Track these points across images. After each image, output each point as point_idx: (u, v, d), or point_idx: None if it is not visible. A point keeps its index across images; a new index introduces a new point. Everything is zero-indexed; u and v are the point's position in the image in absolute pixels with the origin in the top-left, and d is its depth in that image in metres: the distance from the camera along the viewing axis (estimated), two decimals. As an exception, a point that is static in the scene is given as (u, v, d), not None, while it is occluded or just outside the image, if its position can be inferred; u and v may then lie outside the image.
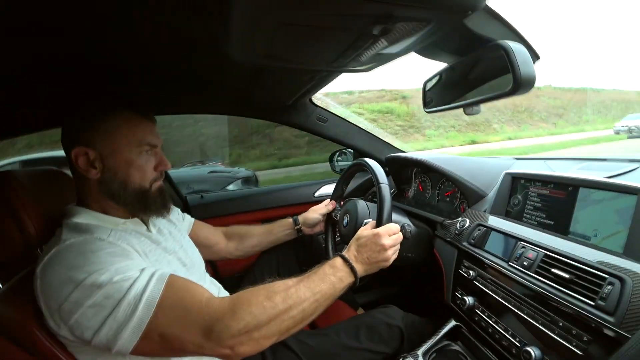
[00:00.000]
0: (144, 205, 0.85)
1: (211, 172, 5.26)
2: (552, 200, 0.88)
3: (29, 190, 0.79)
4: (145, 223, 0.90)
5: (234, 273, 1.58)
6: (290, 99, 1.37)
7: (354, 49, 0.67)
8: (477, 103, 0.72)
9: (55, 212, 0.81)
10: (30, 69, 0.84)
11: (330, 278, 0.80)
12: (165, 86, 1.15)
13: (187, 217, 1.21)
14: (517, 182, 0.99)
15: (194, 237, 1.12)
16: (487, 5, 0.56)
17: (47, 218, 0.80)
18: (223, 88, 1.23)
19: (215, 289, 1.04)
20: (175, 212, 1.12)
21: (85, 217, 0.79)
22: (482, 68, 0.72)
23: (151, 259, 0.79)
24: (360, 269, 0.86)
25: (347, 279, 0.83)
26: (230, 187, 4.64)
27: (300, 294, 0.74)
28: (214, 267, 1.58)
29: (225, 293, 1.07)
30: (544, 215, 0.88)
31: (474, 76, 0.75)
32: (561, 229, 0.83)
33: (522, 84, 0.58)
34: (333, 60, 0.76)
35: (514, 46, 0.59)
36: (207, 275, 1.06)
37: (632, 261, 0.65)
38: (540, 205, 0.90)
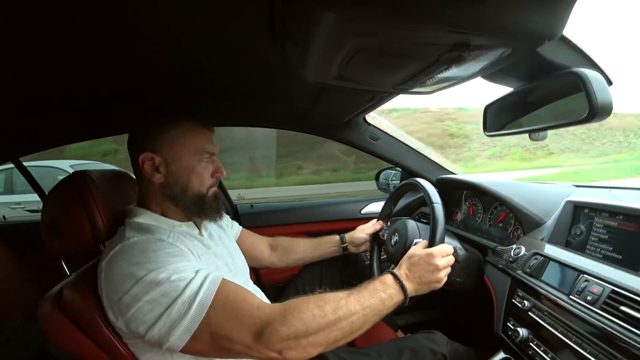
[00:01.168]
0: (201, 209, 0.90)
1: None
2: (620, 233, 0.82)
3: (100, 189, 0.87)
4: (198, 227, 0.95)
5: (276, 282, 1.62)
6: (347, 116, 1.40)
7: (424, 74, 0.69)
8: (547, 129, 0.70)
9: (119, 211, 0.89)
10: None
11: (380, 294, 0.80)
12: (224, 98, 1.21)
13: (236, 224, 1.27)
14: (579, 211, 0.94)
15: (240, 244, 1.16)
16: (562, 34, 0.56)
17: (113, 216, 0.87)
18: (285, 104, 1.29)
19: (258, 296, 1.06)
20: (226, 219, 1.17)
21: (146, 218, 0.85)
22: (550, 93, 0.71)
23: (203, 262, 0.83)
24: (410, 288, 0.85)
25: (397, 296, 0.83)
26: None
27: (350, 307, 0.75)
28: (257, 275, 1.62)
29: (266, 301, 1.09)
30: (610, 249, 0.83)
31: (541, 101, 0.73)
32: (631, 264, 0.77)
33: (599, 112, 0.57)
34: (400, 83, 0.77)
35: (590, 73, 0.57)
36: (250, 282, 1.09)
37: None
38: (607, 237, 0.85)
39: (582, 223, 0.92)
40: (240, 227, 1.28)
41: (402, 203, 1.73)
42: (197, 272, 0.73)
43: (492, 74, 0.71)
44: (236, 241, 1.17)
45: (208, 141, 0.92)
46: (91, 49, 0.69)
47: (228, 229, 1.15)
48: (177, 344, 0.67)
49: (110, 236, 0.85)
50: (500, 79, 0.74)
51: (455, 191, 1.54)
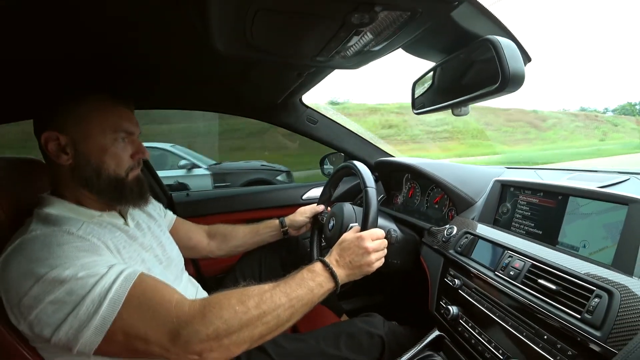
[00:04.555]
0: (120, 194, 0.82)
1: (262, 165, 5.54)
2: (541, 209, 0.85)
3: (3, 177, 0.77)
4: (123, 216, 0.87)
5: (216, 273, 1.55)
6: (279, 97, 1.34)
7: (336, 41, 0.64)
8: (465, 103, 0.70)
9: (31, 201, 0.78)
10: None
11: (308, 283, 0.77)
12: (153, 80, 1.12)
13: (169, 213, 1.18)
14: (506, 190, 0.97)
15: (174, 234, 1.09)
16: (475, 0, 0.54)
17: (20, 206, 0.77)
18: (212, 84, 1.21)
19: (193, 289, 1.00)
20: (157, 207, 1.09)
21: (58, 208, 0.75)
22: (470, 66, 0.70)
23: (124, 256, 0.75)
24: (341, 274, 0.82)
25: (326, 284, 0.79)
26: (279, 178, 5.14)
27: (275, 299, 0.71)
28: (197, 266, 1.54)
29: (203, 293, 1.03)
30: (532, 225, 0.86)
31: (462, 75, 0.72)
32: (550, 239, 0.80)
33: (510, 80, 0.56)
34: (317, 53, 0.73)
35: (502, 41, 0.56)
36: (185, 274, 1.02)
37: (621, 274, 0.62)
38: (529, 214, 0.87)
39: (509, 201, 0.95)
40: (175, 216, 1.20)
41: (344, 187, 1.72)
42: (110, 267, 0.65)
43: (413, 46, 0.69)
44: (170, 231, 1.09)
45: (126, 119, 0.83)
46: None
47: (160, 218, 1.06)
48: (88, 347, 0.60)
49: (15, 230, 0.74)
50: (422, 52, 0.72)
51: (396, 175, 1.55)
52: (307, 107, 1.53)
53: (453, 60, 0.72)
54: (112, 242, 0.74)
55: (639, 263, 0.62)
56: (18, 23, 0.63)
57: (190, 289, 0.99)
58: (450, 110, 0.75)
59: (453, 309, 0.89)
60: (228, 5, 0.53)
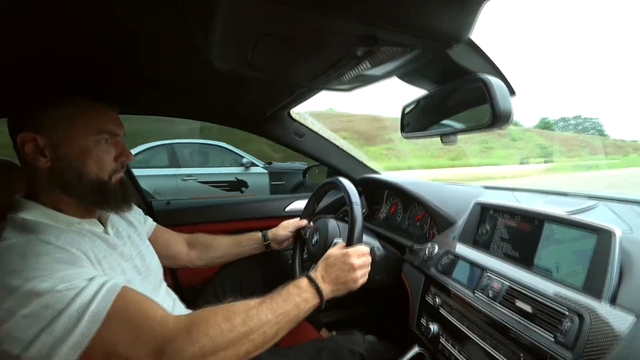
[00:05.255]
0: (102, 198, 0.79)
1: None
2: (518, 232, 0.90)
3: None
4: (103, 223, 0.84)
5: (195, 283, 1.52)
6: (269, 110, 1.35)
7: (336, 68, 0.67)
8: (455, 134, 0.73)
9: (6, 206, 0.74)
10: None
11: (294, 299, 0.77)
12: (141, 85, 1.10)
13: (149, 220, 1.15)
14: (486, 212, 1.01)
15: (153, 242, 1.06)
16: (470, 39, 0.58)
17: None
18: (202, 94, 1.20)
19: (170, 301, 0.98)
20: (137, 214, 1.06)
21: (34, 213, 0.72)
22: (460, 98, 0.74)
23: (104, 266, 0.73)
24: (327, 290, 0.83)
25: (312, 300, 0.80)
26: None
27: (261, 316, 0.70)
28: (174, 276, 1.51)
29: (180, 305, 1.01)
30: (510, 247, 0.90)
31: (452, 105, 0.76)
32: (526, 261, 0.84)
33: (500, 118, 0.60)
34: (314, 77, 0.75)
35: (494, 80, 0.60)
36: (164, 285, 1.00)
37: (590, 298, 0.66)
38: (507, 236, 0.92)
39: (488, 223, 1.00)
40: (155, 223, 1.16)
41: (327, 200, 1.74)
42: (91, 279, 0.62)
43: (407, 75, 0.72)
44: (149, 238, 1.07)
45: (109, 120, 0.80)
46: None
47: (139, 225, 1.03)
48: None
49: None
50: (415, 80, 0.75)
51: (379, 190, 1.58)
52: (295, 120, 1.55)
53: (444, 90, 0.76)
54: (93, 252, 0.72)
55: (607, 288, 0.66)
56: None
57: (168, 301, 0.96)
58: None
59: (433, 327, 0.92)
60: (234, 26, 0.54)
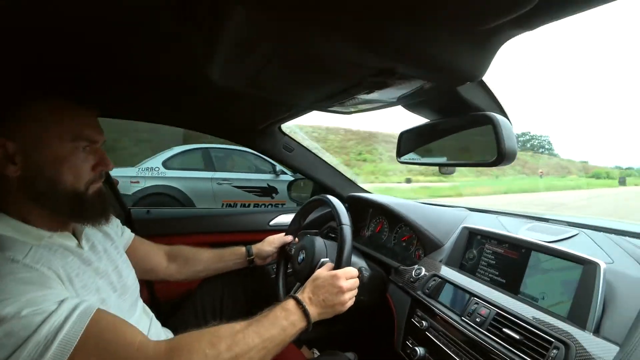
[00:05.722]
0: (78, 211, 0.73)
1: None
2: (505, 259, 0.92)
3: None
4: (77, 237, 0.78)
5: (173, 297, 1.46)
6: (262, 124, 1.34)
7: (344, 95, 0.67)
8: (457, 166, 0.75)
9: None
10: None
11: (282, 322, 0.75)
12: (129, 89, 1.06)
13: (127, 231, 1.08)
14: (473, 237, 1.03)
15: (131, 254, 1.00)
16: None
17: None
18: (194, 104, 1.18)
19: (147, 319, 0.93)
20: (114, 225, 1.00)
21: (0, 226, 0.66)
22: (463, 132, 0.75)
23: (77, 285, 0.67)
24: (314, 312, 0.81)
25: (299, 323, 0.78)
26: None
27: (248, 341, 0.67)
28: (151, 289, 1.45)
29: (156, 324, 0.96)
30: (497, 273, 0.92)
31: (454, 138, 0.78)
32: (512, 288, 0.86)
33: (505, 157, 0.61)
34: (319, 101, 0.75)
35: (502, 120, 0.62)
36: (140, 302, 0.94)
37: (575, 327, 0.68)
38: (494, 262, 0.94)
39: (475, 248, 1.02)
40: (133, 235, 1.10)
41: (312, 215, 1.73)
42: (61, 302, 0.57)
43: (411, 104, 0.74)
44: (127, 251, 1.01)
45: (88, 125, 0.74)
46: None
47: (117, 237, 0.97)
48: None
49: None
50: (419, 110, 0.77)
51: (365, 208, 1.59)
52: (285, 134, 1.54)
53: (447, 122, 0.78)
54: (64, 269, 0.66)
55: (591, 318, 0.68)
56: None
57: (144, 320, 0.91)
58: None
59: (420, 350, 0.92)
60: (246, 43, 0.52)
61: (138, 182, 4.76)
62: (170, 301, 1.44)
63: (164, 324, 0.99)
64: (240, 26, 0.47)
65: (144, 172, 4.86)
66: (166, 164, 5.02)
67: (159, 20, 0.60)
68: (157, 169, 4.93)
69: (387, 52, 0.47)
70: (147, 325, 0.91)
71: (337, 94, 0.68)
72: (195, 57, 0.70)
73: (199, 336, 0.65)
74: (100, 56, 0.80)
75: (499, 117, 0.62)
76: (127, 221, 1.49)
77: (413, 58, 0.48)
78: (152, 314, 0.97)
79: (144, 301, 0.99)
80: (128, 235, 1.08)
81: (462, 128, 0.75)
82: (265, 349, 0.70)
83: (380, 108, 0.78)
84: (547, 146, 58.34)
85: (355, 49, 0.47)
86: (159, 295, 1.46)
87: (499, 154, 0.62)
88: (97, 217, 0.77)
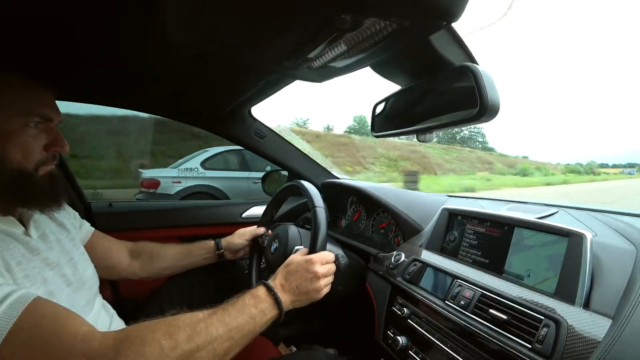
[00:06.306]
0: (24, 193, 0.68)
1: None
2: (487, 238, 0.88)
3: None
4: (24, 224, 0.71)
5: (138, 296, 1.35)
6: (229, 105, 1.26)
7: (311, 44, 0.60)
8: (435, 129, 0.70)
9: None
10: None
11: (250, 310, 0.68)
12: (80, 68, 0.97)
13: (86, 224, 1.01)
14: (454, 219, 0.99)
15: (90, 250, 0.92)
16: (452, 28, 0.55)
17: None
18: (153, 81, 1.08)
19: (107, 317, 0.86)
20: (72, 216, 0.93)
21: None
22: (442, 93, 0.70)
23: (17, 275, 0.60)
24: (286, 300, 0.75)
25: (270, 311, 0.72)
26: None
27: (211, 331, 0.61)
28: (114, 287, 1.35)
29: (119, 322, 0.89)
30: (479, 253, 0.88)
31: (433, 101, 0.72)
32: (496, 267, 0.82)
33: (488, 109, 0.56)
34: (284, 57, 0.68)
35: (482, 70, 0.57)
36: (99, 298, 0.87)
37: (564, 303, 0.65)
38: (476, 243, 0.90)
39: (456, 229, 0.97)
40: (92, 229, 1.02)
41: (286, 207, 1.66)
42: None
43: (382, 65, 0.68)
44: (85, 246, 0.93)
45: (42, 101, 0.69)
46: None
47: (74, 229, 0.89)
48: None
49: None
50: (390, 72, 0.71)
51: (341, 196, 1.54)
52: (256, 119, 1.46)
53: (422, 84, 0.72)
54: (2, 256, 0.60)
55: (580, 293, 0.65)
56: None
57: (104, 318, 0.84)
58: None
59: (402, 339, 0.87)
60: None
61: (180, 182, 5.14)
62: (135, 299, 1.34)
63: (128, 324, 0.91)
64: None
65: (184, 173, 5.25)
66: (204, 165, 5.38)
67: None
68: (196, 170, 5.31)
69: None
70: (108, 323, 0.84)
71: (305, 45, 0.61)
72: (147, 18, 0.63)
73: (154, 326, 0.58)
74: (45, 34, 0.72)
75: (479, 67, 0.58)
76: (87, 215, 1.38)
77: None
78: (113, 312, 0.90)
79: (107, 299, 0.92)
80: (87, 229, 1.00)
81: (440, 86, 0.69)
82: (232, 339, 0.63)
83: (351, 71, 0.71)
84: (480, 139, 58.15)
85: None
86: (123, 294, 1.36)
87: (481, 106, 0.57)
88: (45, 202, 0.72)
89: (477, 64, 0.60)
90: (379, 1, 0.45)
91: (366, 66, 0.68)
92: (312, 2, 0.47)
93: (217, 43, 0.63)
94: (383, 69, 0.70)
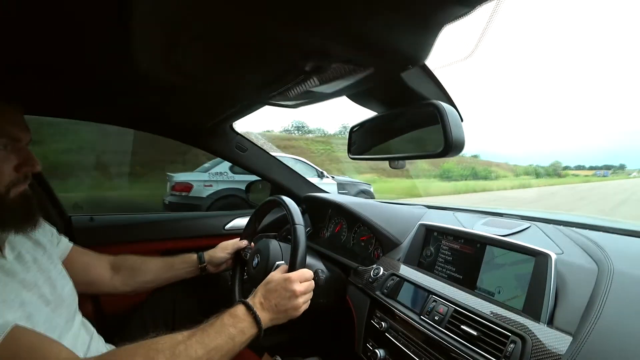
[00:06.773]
0: None
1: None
2: (461, 255, 0.91)
3: None
4: (0, 246, 0.70)
5: (120, 311, 1.34)
6: (209, 122, 1.26)
7: (281, 82, 0.62)
8: (405, 159, 0.73)
9: None
10: None
11: (229, 330, 0.70)
12: (58, 82, 0.93)
13: (64, 240, 0.98)
14: (430, 234, 1.03)
15: (68, 266, 0.90)
16: (424, 64, 0.58)
17: None
18: (130, 99, 1.07)
19: (87, 336, 0.84)
20: (48, 233, 0.90)
21: None
22: (411, 123, 0.73)
23: None
24: (265, 318, 0.77)
25: (249, 330, 0.73)
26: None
27: (190, 352, 0.62)
28: (96, 302, 1.32)
29: (98, 340, 0.87)
30: (454, 269, 0.91)
31: (402, 130, 0.75)
32: (469, 284, 0.86)
33: (452, 146, 0.59)
34: (258, 90, 0.70)
35: (447, 108, 0.60)
36: (79, 315, 0.85)
37: (530, 319, 0.68)
38: (451, 259, 0.93)
39: (432, 245, 1.01)
40: (71, 244, 1.00)
41: (270, 218, 1.67)
42: None
43: (358, 95, 0.70)
44: (64, 262, 0.91)
45: (10, 121, 0.67)
46: None
47: (51, 246, 0.87)
48: None
49: None
50: (366, 102, 0.74)
51: (324, 209, 1.56)
52: (238, 133, 1.47)
53: (395, 114, 0.75)
54: None
55: (544, 310, 0.69)
56: None
57: (83, 337, 0.83)
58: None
59: (380, 352, 0.90)
60: (154, 29, 0.47)
61: (211, 185, 5.35)
62: (117, 315, 1.33)
63: (109, 340, 0.91)
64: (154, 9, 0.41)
65: (214, 177, 5.43)
66: (233, 169, 5.51)
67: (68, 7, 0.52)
68: (225, 174, 5.48)
69: (316, 29, 0.43)
70: (87, 342, 0.83)
71: (274, 83, 0.62)
72: (117, 46, 0.62)
73: (133, 350, 0.59)
74: (18, 48, 0.69)
75: (445, 105, 0.60)
76: (68, 230, 1.35)
77: (346, 37, 0.44)
78: (93, 330, 0.88)
79: (88, 315, 0.90)
80: (65, 245, 0.98)
81: (410, 119, 0.73)
82: None
83: (326, 99, 0.74)
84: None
85: (283, 27, 0.43)
86: (105, 309, 1.34)
87: (446, 144, 0.60)
88: (19, 224, 0.70)
89: (448, 95, 0.63)
90: (341, 51, 0.47)
91: (341, 96, 0.71)
92: (275, 47, 0.49)
93: (190, 77, 0.64)
94: (357, 99, 0.73)
